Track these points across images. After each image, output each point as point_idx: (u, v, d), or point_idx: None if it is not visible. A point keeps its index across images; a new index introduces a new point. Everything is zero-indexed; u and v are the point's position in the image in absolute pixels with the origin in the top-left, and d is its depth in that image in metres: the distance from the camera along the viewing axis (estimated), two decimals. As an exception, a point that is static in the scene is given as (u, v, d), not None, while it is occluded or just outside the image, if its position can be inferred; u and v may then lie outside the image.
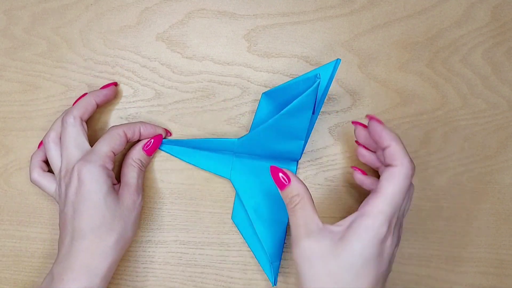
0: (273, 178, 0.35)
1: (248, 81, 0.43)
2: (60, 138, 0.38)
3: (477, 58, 0.43)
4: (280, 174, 0.34)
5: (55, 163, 0.38)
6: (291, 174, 0.34)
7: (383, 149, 0.33)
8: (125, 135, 0.38)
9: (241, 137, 0.40)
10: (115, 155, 0.37)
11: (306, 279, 0.31)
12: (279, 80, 0.43)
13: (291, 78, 0.43)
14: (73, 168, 0.35)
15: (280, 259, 0.41)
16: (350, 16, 0.43)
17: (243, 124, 0.43)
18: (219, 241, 0.42)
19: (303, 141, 0.39)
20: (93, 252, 0.34)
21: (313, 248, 0.30)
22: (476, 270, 0.42)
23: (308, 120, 0.37)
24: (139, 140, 0.40)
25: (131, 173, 0.38)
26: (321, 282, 0.30)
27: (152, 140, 0.40)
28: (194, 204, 0.43)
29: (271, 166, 0.35)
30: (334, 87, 0.43)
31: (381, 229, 0.30)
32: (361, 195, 0.43)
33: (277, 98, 0.40)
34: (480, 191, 0.43)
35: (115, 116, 0.43)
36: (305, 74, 0.38)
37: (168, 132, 0.42)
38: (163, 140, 0.41)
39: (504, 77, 0.43)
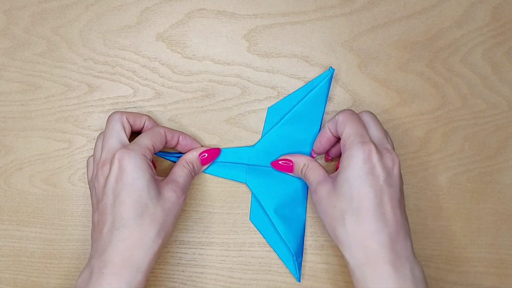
0: (279, 169, 0.41)
1: (248, 81, 0.43)
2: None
3: (477, 58, 0.43)
4: (281, 162, 0.40)
5: (96, 154, 0.37)
6: (289, 156, 0.40)
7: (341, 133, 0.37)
8: (166, 135, 0.38)
9: (254, 145, 0.42)
10: (155, 151, 0.37)
11: (321, 217, 0.36)
12: (279, 80, 0.43)
13: (291, 78, 0.43)
14: (113, 157, 0.34)
15: (302, 255, 0.41)
16: (350, 16, 0.43)
17: (243, 124, 0.43)
18: (219, 241, 0.42)
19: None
20: (134, 243, 0.32)
21: (321, 191, 0.36)
22: (476, 270, 0.42)
23: (322, 116, 0.41)
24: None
25: (180, 172, 0.38)
26: (329, 214, 0.35)
27: (207, 154, 0.40)
28: (194, 204, 0.43)
29: (271, 163, 0.41)
30: (334, 87, 0.43)
31: (358, 152, 0.34)
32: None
33: (283, 110, 0.42)
34: (480, 191, 0.43)
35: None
36: (302, 87, 0.42)
37: (216, 150, 0.41)
38: (177, 153, 0.41)
39: (504, 77, 0.43)
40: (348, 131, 0.35)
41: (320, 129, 0.42)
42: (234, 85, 0.43)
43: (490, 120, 0.43)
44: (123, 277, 0.31)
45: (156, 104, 0.43)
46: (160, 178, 0.37)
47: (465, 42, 0.43)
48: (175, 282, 0.42)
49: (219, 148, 0.41)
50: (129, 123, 0.38)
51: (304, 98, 0.41)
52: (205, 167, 0.41)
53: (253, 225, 0.42)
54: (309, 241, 0.42)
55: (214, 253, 0.42)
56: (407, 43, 0.43)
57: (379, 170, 0.34)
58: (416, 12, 0.43)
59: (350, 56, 0.43)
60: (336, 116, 0.37)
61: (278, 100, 0.43)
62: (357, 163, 0.34)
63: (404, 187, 0.42)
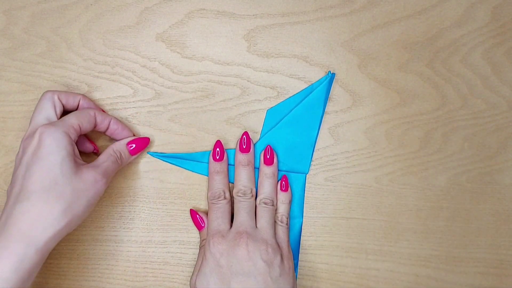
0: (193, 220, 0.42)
1: (248, 81, 0.43)
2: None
3: (477, 58, 0.43)
4: (198, 216, 0.41)
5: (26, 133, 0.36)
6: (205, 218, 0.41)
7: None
8: (95, 118, 0.38)
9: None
10: (80, 130, 0.36)
11: None
12: (279, 80, 0.43)
13: (290, 78, 0.43)
14: (35, 131, 0.34)
15: (298, 257, 0.41)
16: (350, 16, 0.43)
17: (243, 124, 0.43)
18: (219, 241, 0.42)
19: (312, 149, 0.42)
20: (34, 218, 0.31)
21: None
22: (476, 270, 0.42)
23: (320, 119, 0.42)
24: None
25: (104, 158, 0.37)
26: None
27: (135, 144, 0.40)
28: (193, 204, 0.43)
29: (190, 210, 0.42)
30: (334, 87, 0.43)
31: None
32: (360, 195, 0.43)
33: (282, 112, 0.42)
34: (480, 191, 0.43)
35: (115, 116, 0.43)
36: (301, 90, 0.42)
37: (144, 140, 0.41)
38: (174, 154, 0.42)
39: (504, 77, 0.43)
40: (208, 225, 0.40)
41: (318, 132, 0.42)
42: (234, 85, 0.43)
43: (490, 120, 0.43)
44: (15, 251, 0.30)
45: (156, 104, 0.43)
46: (82, 162, 0.36)
47: (465, 42, 0.43)
48: (175, 282, 0.42)
49: (147, 138, 0.41)
50: (61, 102, 0.38)
51: (302, 101, 0.42)
52: (133, 157, 0.40)
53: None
54: (309, 241, 0.42)
55: (214, 253, 0.42)
56: (407, 43, 0.43)
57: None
58: (416, 12, 0.43)
59: (350, 56, 0.43)
60: None
61: (277, 100, 0.43)
62: (208, 259, 0.37)
63: (404, 187, 0.42)
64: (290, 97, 0.42)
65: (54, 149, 0.32)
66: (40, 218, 0.31)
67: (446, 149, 0.43)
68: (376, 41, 0.43)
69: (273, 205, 0.40)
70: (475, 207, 0.43)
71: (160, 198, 0.42)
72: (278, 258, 0.37)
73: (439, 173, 0.43)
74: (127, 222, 0.42)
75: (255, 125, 0.43)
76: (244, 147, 0.41)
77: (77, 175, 0.33)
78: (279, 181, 0.41)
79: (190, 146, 0.43)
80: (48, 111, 0.37)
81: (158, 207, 0.42)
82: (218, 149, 0.41)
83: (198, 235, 0.42)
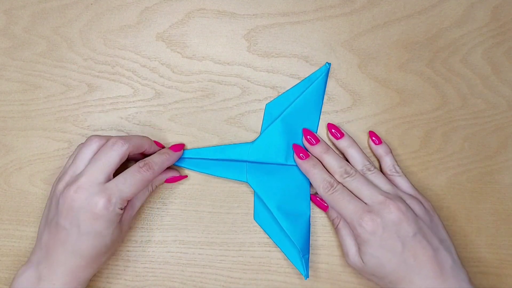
0: (316, 204, 0.42)
1: (248, 81, 0.43)
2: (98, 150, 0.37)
3: (477, 58, 0.43)
4: (318, 199, 0.41)
5: (78, 163, 0.36)
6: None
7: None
8: (151, 183, 0.40)
9: (254, 141, 0.42)
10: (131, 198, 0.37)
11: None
12: (279, 79, 0.43)
13: (291, 78, 0.43)
14: (90, 193, 0.34)
15: (309, 251, 0.41)
16: (350, 16, 0.43)
17: (243, 124, 0.43)
18: (219, 241, 0.42)
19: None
20: (86, 268, 0.36)
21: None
22: (476, 270, 0.42)
23: (320, 111, 0.42)
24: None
25: (142, 197, 0.40)
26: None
27: (172, 181, 0.42)
28: (194, 204, 0.43)
29: (312, 196, 0.42)
30: (334, 87, 0.43)
31: (361, 230, 0.38)
32: (361, 195, 0.43)
33: (282, 106, 0.42)
34: (480, 191, 0.43)
35: (115, 116, 0.43)
36: (299, 83, 0.43)
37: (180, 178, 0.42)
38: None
39: (504, 77, 0.43)
40: (343, 214, 0.38)
41: (318, 124, 0.42)
42: (234, 85, 0.43)
43: (490, 120, 0.43)
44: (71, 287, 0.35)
45: (156, 104, 0.43)
46: (120, 212, 0.36)
47: (465, 42, 0.43)
48: (175, 282, 0.42)
49: (186, 176, 0.42)
50: (127, 155, 0.37)
51: (302, 94, 0.42)
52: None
53: (252, 225, 0.42)
54: (309, 241, 0.42)
55: (213, 253, 0.42)
56: (407, 43, 0.43)
57: (385, 235, 0.36)
58: (416, 12, 0.43)
59: (350, 56, 0.43)
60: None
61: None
62: (369, 240, 0.36)
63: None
64: (287, 90, 0.42)
65: (108, 225, 0.35)
66: (91, 266, 0.36)
67: (446, 148, 0.43)
68: (376, 41, 0.43)
69: (375, 167, 0.40)
70: (475, 207, 0.43)
71: (160, 198, 0.42)
72: (422, 206, 0.38)
73: (439, 173, 0.43)
74: (127, 222, 0.42)
75: (255, 125, 0.43)
76: (313, 140, 0.41)
77: (121, 232, 0.37)
78: (370, 137, 0.42)
79: (190, 146, 0.43)
80: (111, 168, 0.36)
81: (158, 207, 0.42)
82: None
83: (197, 235, 0.42)
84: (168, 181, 0.41)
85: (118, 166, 0.36)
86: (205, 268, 0.42)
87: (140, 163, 0.37)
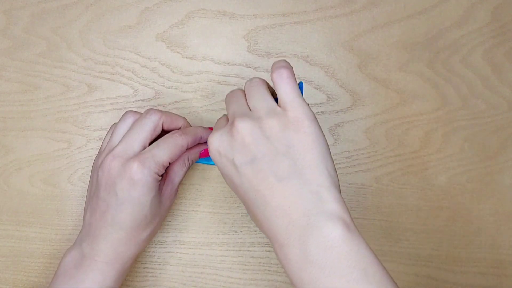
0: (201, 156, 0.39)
1: (248, 81, 0.43)
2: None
3: (477, 58, 0.43)
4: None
5: (114, 138, 0.37)
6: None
7: None
8: (187, 147, 0.38)
9: None
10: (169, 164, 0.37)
11: None
12: (279, 80, 0.43)
13: (291, 78, 0.43)
14: (127, 162, 0.34)
15: None
16: (350, 16, 0.43)
17: (243, 124, 0.43)
18: (219, 241, 0.42)
19: None
20: (127, 242, 0.36)
21: None
22: (476, 270, 0.42)
23: None
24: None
25: (180, 172, 0.38)
26: None
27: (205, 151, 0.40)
28: (194, 204, 0.42)
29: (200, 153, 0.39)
30: (334, 87, 0.43)
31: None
32: (360, 195, 0.43)
33: None
34: (480, 191, 0.43)
35: (115, 116, 0.43)
36: None
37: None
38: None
39: (504, 77, 0.43)
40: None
41: None
42: (234, 85, 0.43)
43: (490, 121, 0.43)
44: (115, 266, 0.35)
45: (156, 104, 0.43)
46: (163, 179, 0.37)
47: (465, 43, 0.43)
48: (175, 282, 0.42)
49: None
50: (162, 127, 0.37)
51: None
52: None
53: (252, 225, 0.42)
54: (309, 241, 0.42)
55: (213, 253, 0.42)
56: (407, 44, 0.43)
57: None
58: (416, 12, 0.43)
59: (350, 56, 0.43)
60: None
61: (278, 100, 0.43)
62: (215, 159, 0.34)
63: (404, 187, 0.42)
64: None
65: (145, 191, 0.35)
66: (133, 242, 0.36)
67: (446, 149, 0.43)
68: (376, 41, 0.43)
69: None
70: (475, 207, 0.43)
71: (160, 198, 0.42)
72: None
73: (439, 173, 0.43)
74: (127, 222, 0.42)
75: (255, 125, 0.43)
76: None
77: (161, 205, 0.37)
78: None
79: (190, 146, 0.43)
80: (146, 136, 0.36)
81: (158, 207, 0.42)
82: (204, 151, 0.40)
83: (197, 235, 0.42)
84: (203, 154, 0.40)
85: (153, 136, 0.36)
86: (205, 269, 0.42)
87: (175, 131, 0.37)
